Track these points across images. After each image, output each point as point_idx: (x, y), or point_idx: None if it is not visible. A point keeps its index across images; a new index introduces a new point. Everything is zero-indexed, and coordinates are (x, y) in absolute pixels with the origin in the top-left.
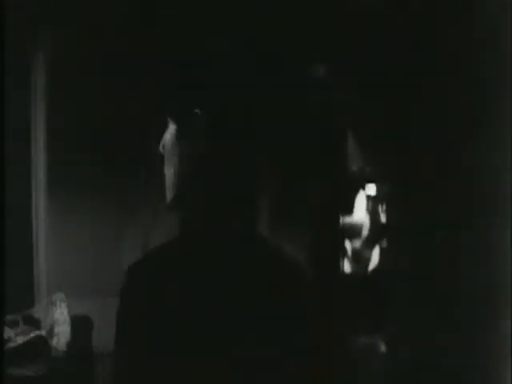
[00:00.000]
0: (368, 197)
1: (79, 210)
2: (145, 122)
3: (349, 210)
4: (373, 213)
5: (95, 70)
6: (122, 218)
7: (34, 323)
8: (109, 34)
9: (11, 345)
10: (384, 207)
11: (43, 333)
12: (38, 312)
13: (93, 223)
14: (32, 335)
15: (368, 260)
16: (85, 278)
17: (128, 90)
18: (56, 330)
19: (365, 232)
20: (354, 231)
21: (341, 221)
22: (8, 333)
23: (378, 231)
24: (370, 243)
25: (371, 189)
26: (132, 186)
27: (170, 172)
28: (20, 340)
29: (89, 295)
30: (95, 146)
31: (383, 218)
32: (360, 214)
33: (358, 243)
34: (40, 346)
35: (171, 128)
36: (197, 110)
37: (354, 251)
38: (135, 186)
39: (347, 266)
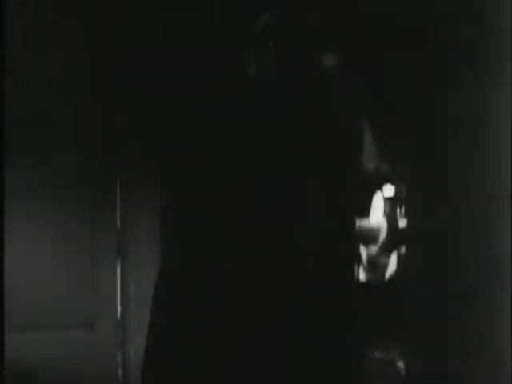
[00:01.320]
0: (385, 199)
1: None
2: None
3: (364, 212)
4: (390, 216)
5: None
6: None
7: None
8: None
9: None
10: (403, 210)
11: None
12: None
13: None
14: None
15: (385, 267)
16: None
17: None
18: None
19: (382, 237)
20: (369, 236)
21: (356, 225)
22: None
23: (395, 236)
24: (387, 249)
25: (389, 190)
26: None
27: None
28: None
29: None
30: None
31: (402, 222)
32: (376, 217)
33: (374, 249)
34: None
35: None
36: None
37: (370, 258)
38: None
39: (362, 274)
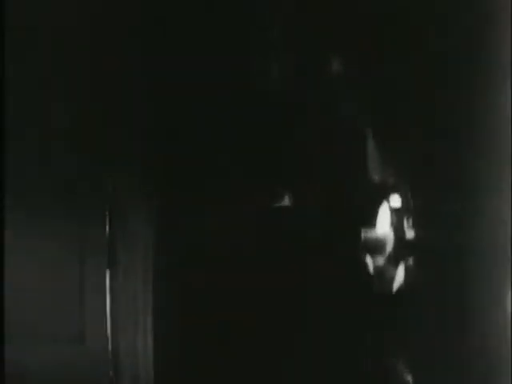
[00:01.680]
0: (392, 209)
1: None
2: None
3: (370, 223)
4: (397, 227)
5: None
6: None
7: None
8: None
9: None
10: (410, 221)
11: None
12: None
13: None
14: None
15: (392, 279)
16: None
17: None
18: None
19: (388, 248)
20: (376, 247)
21: (362, 235)
22: None
23: (403, 247)
24: (394, 260)
25: (396, 200)
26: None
27: None
28: None
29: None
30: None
31: (409, 233)
32: (383, 228)
33: (380, 260)
34: None
35: None
36: None
37: (377, 269)
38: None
39: (369, 286)
